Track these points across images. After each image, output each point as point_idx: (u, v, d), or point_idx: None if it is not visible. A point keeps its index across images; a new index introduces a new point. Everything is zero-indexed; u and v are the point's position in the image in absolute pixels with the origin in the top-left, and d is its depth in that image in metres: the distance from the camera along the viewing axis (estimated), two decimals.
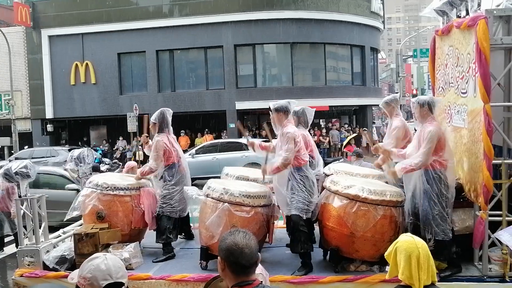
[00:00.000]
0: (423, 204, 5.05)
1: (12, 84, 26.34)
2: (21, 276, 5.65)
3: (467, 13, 5.72)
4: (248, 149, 18.74)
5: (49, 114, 28.47)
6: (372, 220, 5.08)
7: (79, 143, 27.82)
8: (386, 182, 5.83)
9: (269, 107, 5.64)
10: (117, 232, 5.98)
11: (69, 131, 30.82)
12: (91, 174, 7.47)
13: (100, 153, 25.00)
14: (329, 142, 25.97)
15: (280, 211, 5.85)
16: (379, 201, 5.12)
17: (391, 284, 3.02)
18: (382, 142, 6.30)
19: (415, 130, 5.75)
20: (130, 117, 24.70)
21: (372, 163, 6.28)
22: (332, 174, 6.14)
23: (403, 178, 5.39)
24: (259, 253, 2.47)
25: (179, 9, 26.98)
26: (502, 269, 4.94)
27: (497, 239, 4.91)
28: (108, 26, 27.17)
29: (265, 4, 26.45)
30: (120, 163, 23.45)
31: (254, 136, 25.03)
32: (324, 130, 26.98)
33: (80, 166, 7.45)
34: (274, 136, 5.92)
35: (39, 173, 11.35)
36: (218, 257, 2.46)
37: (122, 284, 2.45)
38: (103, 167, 17.06)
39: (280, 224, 6.56)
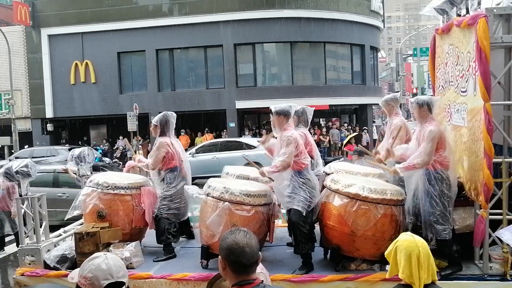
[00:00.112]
0: (425, 204, 5.05)
1: (12, 83, 26.33)
2: (22, 275, 5.66)
3: (467, 12, 5.73)
4: (248, 148, 18.79)
5: (49, 114, 28.47)
6: (372, 219, 5.09)
7: (79, 143, 27.84)
8: (387, 181, 5.84)
9: (270, 110, 5.64)
10: (118, 231, 5.98)
11: (69, 130, 30.82)
12: (91, 173, 7.48)
13: (100, 153, 25.01)
14: (329, 141, 25.95)
15: (281, 210, 5.85)
16: (380, 200, 5.12)
17: (392, 283, 3.02)
18: (382, 141, 6.30)
19: (414, 130, 5.75)
20: (130, 116, 24.72)
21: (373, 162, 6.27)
22: (332, 173, 6.14)
23: (405, 179, 5.40)
24: (260, 252, 2.47)
25: (179, 8, 26.97)
26: (502, 268, 4.94)
27: (497, 237, 4.92)
28: (107, 25, 27.15)
29: (265, 3, 26.44)
30: (120, 162, 23.48)
31: (254, 135, 25.04)
32: (324, 129, 26.98)
33: (81, 165, 7.46)
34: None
35: (58, 172, 11.41)
36: (219, 256, 2.46)
37: (123, 283, 2.44)
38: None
39: (280, 223, 6.57)
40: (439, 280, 4.25)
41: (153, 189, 6.43)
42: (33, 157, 20.07)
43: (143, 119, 25.47)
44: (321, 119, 29.42)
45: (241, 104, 26.45)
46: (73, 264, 5.64)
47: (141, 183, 6.40)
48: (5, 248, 10.30)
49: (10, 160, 17.62)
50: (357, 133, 24.20)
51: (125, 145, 26.51)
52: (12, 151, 26.32)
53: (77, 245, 5.68)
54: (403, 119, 6.27)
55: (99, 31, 27.27)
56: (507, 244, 4.82)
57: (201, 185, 6.00)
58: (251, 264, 2.40)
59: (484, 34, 4.60)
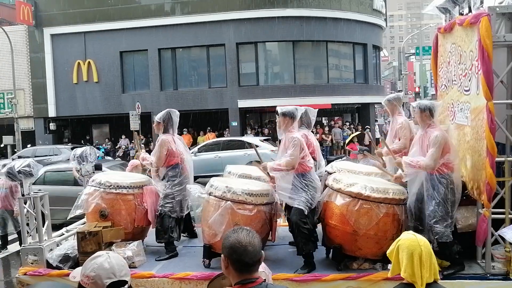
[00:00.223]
0: (428, 207, 5.04)
1: (14, 82, 26.38)
2: (25, 274, 5.68)
3: (470, 11, 5.71)
4: (250, 147, 18.78)
5: (51, 113, 28.50)
6: (374, 218, 5.08)
7: (82, 142, 27.87)
8: (389, 180, 5.84)
9: (276, 111, 5.64)
10: (120, 230, 5.99)
11: (72, 129, 30.86)
12: (93, 172, 7.49)
13: (102, 152, 25.04)
14: (331, 140, 25.92)
15: (283, 209, 5.85)
16: (382, 199, 5.12)
17: (394, 282, 3.02)
18: (384, 139, 6.30)
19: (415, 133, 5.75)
20: (132, 115, 24.74)
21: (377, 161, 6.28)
22: (334, 172, 6.14)
23: (408, 182, 5.36)
24: (262, 251, 2.47)
25: (181, 8, 26.96)
26: (505, 267, 4.94)
27: (500, 236, 4.91)
28: (110, 25, 27.16)
29: (267, 2, 26.41)
30: (122, 161, 23.47)
31: (256, 134, 25.04)
32: (326, 128, 26.96)
33: (83, 164, 7.47)
34: (274, 138, 5.92)
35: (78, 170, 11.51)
36: (222, 255, 2.47)
37: (126, 282, 2.44)
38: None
39: (282, 223, 6.56)
40: (441, 279, 4.25)
41: (155, 188, 6.43)
42: (35, 156, 20.14)
43: (146, 118, 25.49)
44: (323, 118, 29.38)
45: (243, 103, 26.45)
46: (76, 263, 5.65)
47: (143, 182, 6.41)
48: (8, 247, 10.32)
49: (13, 159, 17.65)
50: (359, 132, 24.15)
51: (133, 140, 26.51)
52: (15, 150, 26.36)
53: (80, 245, 5.69)
54: (406, 118, 6.27)
55: (101, 31, 27.28)
56: (510, 243, 4.81)
57: (203, 184, 6.01)
58: (253, 263, 2.40)
59: (486, 33, 4.59)
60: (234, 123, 26.48)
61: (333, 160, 9.10)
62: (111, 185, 6.17)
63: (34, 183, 11.45)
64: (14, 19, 27.75)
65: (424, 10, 8.20)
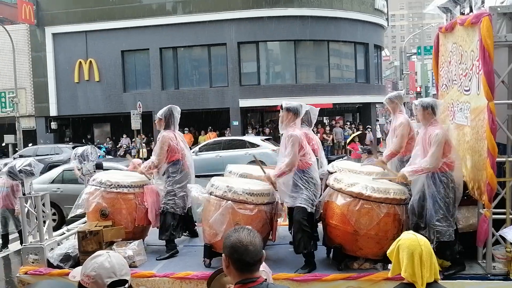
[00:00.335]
0: (429, 205, 5.04)
1: (16, 81, 26.41)
2: (26, 273, 5.69)
3: (471, 10, 5.71)
4: (252, 147, 18.79)
5: (53, 112, 28.53)
6: (375, 218, 5.08)
7: (83, 141, 27.90)
8: (390, 180, 5.83)
9: (281, 105, 5.65)
10: (121, 229, 6.00)
11: (73, 128, 30.88)
12: (94, 171, 7.50)
13: (103, 151, 25.06)
14: (332, 139, 25.93)
15: (286, 202, 5.84)
16: (383, 199, 5.12)
17: (394, 282, 3.02)
18: (385, 139, 6.30)
19: (417, 132, 5.74)
20: (133, 114, 24.74)
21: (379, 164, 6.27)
22: (335, 171, 6.13)
23: (411, 181, 5.36)
24: (263, 251, 2.47)
25: (183, 7, 26.96)
26: (506, 267, 4.93)
27: (501, 237, 4.90)
28: (111, 24, 27.18)
29: (269, 2, 26.40)
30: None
31: (257, 134, 25.03)
32: (327, 128, 26.95)
33: (84, 163, 7.48)
34: (275, 137, 5.92)
35: (105, 169, 11.62)
36: (223, 254, 2.47)
37: (126, 281, 2.44)
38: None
39: (283, 222, 6.56)
40: (442, 279, 4.25)
41: (156, 187, 6.44)
42: (37, 155, 20.19)
43: (147, 117, 25.48)
44: (324, 118, 29.37)
45: (244, 103, 26.44)
46: (76, 262, 5.66)
47: (144, 181, 6.41)
48: (8, 246, 10.33)
49: (14, 158, 17.68)
50: (360, 131, 24.13)
51: (128, 143, 26.53)
52: (16, 149, 26.39)
53: (80, 244, 5.70)
54: (407, 117, 6.26)
55: (103, 30, 27.29)
56: (511, 243, 4.81)
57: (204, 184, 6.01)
58: (254, 263, 2.40)
59: (487, 33, 4.58)
60: (235, 123, 26.48)
61: (334, 160, 9.08)
62: (111, 185, 6.18)
63: (52, 182, 11.70)
64: (16, 18, 27.80)
65: (426, 9, 8.19)
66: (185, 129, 24.96)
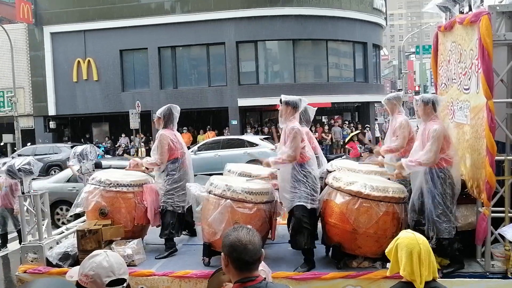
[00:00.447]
0: (428, 202, 5.05)
1: (14, 81, 26.38)
2: (25, 272, 5.67)
3: (470, 9, 5.71)
4: (250, 146, 18.79)
5: (51, 111, 28.51)
6: (374, 217, 5.08)
7: (82, 140, 27.89)
8: (389, 179, 5.84)
9: (280, 99, 5.64)
10: (120, 228, 5.99)
11: (72, 128, 30.88)
12: (93, 170, 7.50)
13: (102, 150, 25.04)
14: (331, 139, 25.94)
15: (283, 208, 5.84)
16: (382, 198, 5.12)
17: (393, 281, 3.02)
18: (384, 139, 6.30)
19: (417, 127, 5.74)
20: (132, 114, 24.74)
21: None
22: (334, 170, 6.14)
23: (411, 176, 5.37)
24: (262, 250, 2.47)
25: (181, 6, 26.95)
26: (504, 266, 4.94)
27: (499, 235, 4.91)
28: (110, 23, 27.18)
29: (267, 1, 26.41)
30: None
31: (256, 133, 25.03)
32: (326, 127, 26.96)
33: (83, 162, 7.47)
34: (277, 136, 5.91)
35: (116, 167, 11.63)
36: (222, 253, 2.47)
37: (124, 280, 2.44)
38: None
39: (282, 221, 6.56)
40: (441, 278, 4.25)
41: (155, 186, 6.44)
42: (35, 155, 20.15)
43: (146, 117, 25.49)
44: (323, 117, 29.38)
45: (243, 102, 26.45)
46: (75, 261, 5.65)
47: (143, 180, 6.40)
48: (7, 245, 10.33)
49: (12, 158, 17.65)
50: (359, 131, 24.15)
51: (127, 142, 26.50)
52: (15, 148, 26.37)
53: (79, 243, 5.69)
54: (406, 117, 6.26)
55: (101, 29, 27.29)
56: (510, 242, 4.81)
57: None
58: (253, 261, 2.41)
59: (487, 32, 4.58)
60: (234, 122, 26.49)
61: (332, 159, 9.08)
62: (111, 183, 6.17)
63: (67, 181, 11.69)
64: (14, 17, 27.75)
65: (424, 8, 8.19)
66: (184, 128, 24.97)
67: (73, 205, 6.38)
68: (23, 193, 5.91)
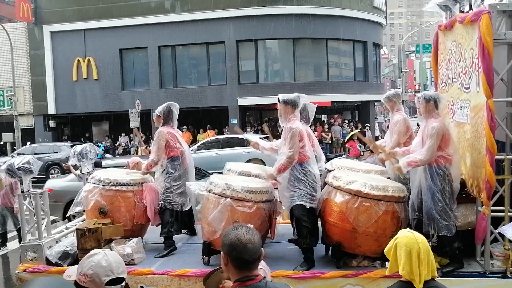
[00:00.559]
0: (427, 200, 5.05)
1: (14, 80, 26.38)
2: (24, 271, 5.68)
3: (470, 8, 5.70)
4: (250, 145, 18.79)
5: (51, 110, 28.51)
6: (374, 216, 5.08)
7: (82, 139, 27.88)
8: (389, 178, 5.83)
9: (278, 98, 5.62)
10: (120, 227, 5.99)
11: (72, 127, 30.88)
12: (93, 169, 7.49)
13: (102, 149, 25.03)
14: (331, 138, 25.93)
15: (283, 207, 5.84)
16: (381, 197, 5.11)
17: (392, 280, 3.01)
18: (384, 137, 6.30)
19: (418, 126, 5.74)
20: (132, 113, 24.73)
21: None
22: (334, 169, 6.13)
23: (410, 174, 5.38)
24: (262, 249, 2.47)
25: (181, 5, 26.94)
26: (504, 265, 4.94)
27: (499, 234, 4.91)
28: (110, 22, 27.16)
29: (267, 0, 26.39)
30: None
31: (256, 132, 25.02)
32: (326, 126, 26.95)
33: (83, 161, 7.46)
34: (274, 135, 5.90)
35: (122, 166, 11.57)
36: (221, 252, 2.46)
37: (123, 279, 2.44)
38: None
39: (282, 220, 6.56)
40: (440, 277, 4.25)
41: (155, 185, 6.43)
42: (35, 154, 20.10)
43: (145, 116, 25.48)
44: (323, 116, 29.36)
45: (243, 101, 26.44)
46: (75, 260, 5.65)
47: (143, 179, 6.40)
48: (7, 244, 10.32)
49: (12, 157, 17.64)
50: (359, 129, 24.14)
51: (132, 137, 26.40)
52: (15, 147, 26.37)
53: (79, 242, 5.69)
54: (405, 115, 6.26)
55: (101, 28, 27.28)
56: (509, 241, 4.81)
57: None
58: (253, 261, 2.40)
59: (487, 31, 4.58)
60: (234, 121, 26.47)
61: (332, 158, 9.09)
62: (110, 182, 6.17)
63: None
64: (14, 16, 27.75)
65: (425, 7, 8.19)
66: (184, 127, 24.95)
67: (73, 204, 6.38)
68: (22, 192, 5.91)
